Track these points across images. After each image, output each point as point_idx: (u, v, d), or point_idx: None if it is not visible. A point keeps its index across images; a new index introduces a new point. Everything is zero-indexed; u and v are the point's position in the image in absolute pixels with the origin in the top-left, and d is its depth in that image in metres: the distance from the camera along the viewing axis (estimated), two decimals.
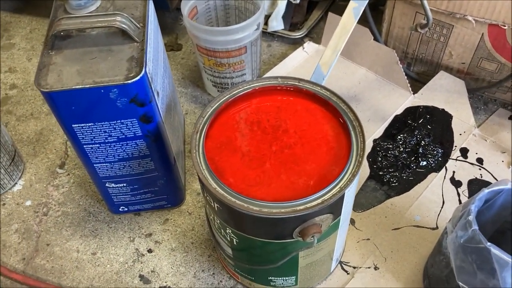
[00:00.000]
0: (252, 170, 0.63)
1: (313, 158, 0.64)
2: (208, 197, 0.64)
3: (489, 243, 0.61)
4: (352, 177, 0.60)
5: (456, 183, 0.89)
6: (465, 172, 0.91)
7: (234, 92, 0.71)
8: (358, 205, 0.88)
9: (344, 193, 0.60)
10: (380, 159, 0.93)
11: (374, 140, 0.96)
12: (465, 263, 0.64)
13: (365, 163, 0.93)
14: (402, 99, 1.02)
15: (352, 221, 0.86)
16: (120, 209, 0.87)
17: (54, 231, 0.87)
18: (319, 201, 0.58)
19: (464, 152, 0.94)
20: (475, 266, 0.63)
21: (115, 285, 0.79)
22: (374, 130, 0.98)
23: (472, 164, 0.92)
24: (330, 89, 0.70)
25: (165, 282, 0.80)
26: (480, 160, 0.92)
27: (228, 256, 0.74)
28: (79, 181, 0.94)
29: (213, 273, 0.80)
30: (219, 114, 0.69)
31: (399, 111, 1.01)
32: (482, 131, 0.97)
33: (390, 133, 0.97)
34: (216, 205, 0.63)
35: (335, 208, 0.62)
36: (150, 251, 0.84)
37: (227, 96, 0.70)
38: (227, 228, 0.66)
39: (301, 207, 0.58)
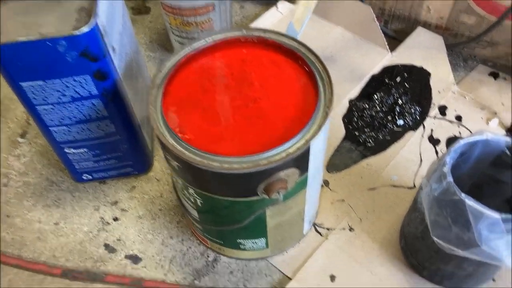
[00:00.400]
0: (214, 126, 0.59)
1: (279, 112, 0.60)
2: (167, 156, 0.60)
3: (464, 194, 0.58)
4: (318, 128, 0.57)
5: (434, 141, 0.86)
6: (444, 130, 0.87)
7: (195, 46, 0.66)
8: (333, 166, 0.85)
9: (309, 146, 0.56)
10: (356, 119, 0.89)
11: (350, 101, 0.93)
12: (439, 217, 0.61)
13: (340, 123, 0.89)
14: (379, 58, 0.98)
15: (326, 183, 0.83)
16: (83, 177, 0.83)
17: (14, 202, 0.83)
18: (283, 154, 0.55)
19: (442, 109, 0.90)
20: (450, 220, 0.60)
21: (79, 256, 0.76)
22: (350, 90, 0.94)
23: (450, 121, 0.89)
24: (297, 39, 0.66)
25: (132, 251, 0.76)
26: (459, 118, 0.89)
27: (195, 220, 0.70)
28: (41, 150, 0.89)
29: (182, 240, 0.77)
30: (180, 69, 0.65)
31: (376, 70, 0.97)
32: (461, 88, 0.93)
33: (366, 92, 0.93)
34: (176, 163, 0.59)
35: (301, 162, 0.58)
36: (116, 219, 0.80)
37: (187, 50, 0.66)
38: (190, 188, 0.62)
39: (264, 161, 0.54)
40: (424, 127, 0.88)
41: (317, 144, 0.58)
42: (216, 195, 0.60)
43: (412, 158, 0.84)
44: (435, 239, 0.62)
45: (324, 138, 0.61)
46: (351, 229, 0.77)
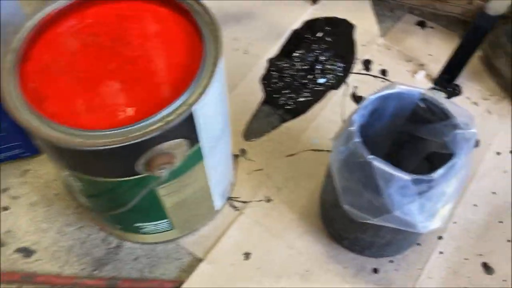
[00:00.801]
0: (82, 94, 0.50)
1: (160, 74, 0.52)
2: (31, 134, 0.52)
3: (371, 156, 0.51)
4: (203, 90, 0.49)
5: (357, 99, 0.80)
6: (367, 86, 0.81)
7: (62, 2, 0.56)
8: (250, 133, 0.77)
9: (191, 112, 0.48)
10: (275, 80, 0.82)
11: (269, 60, 0.85)
12: (350, 182, 0.55)
13: (258, 86, 0.82)
14: (300, 12, 0.90)
15: (243, 152, 0.75)
16: None
17: None
18: (160, 123, 0.47)
19: (366, 64, 0.84)
20: (361, 185, 0.54)
21: None
22: (268, 49, 0.86)
23: (375, 76, 0.82)
24: None
25: (23, 243, 0.67)
26: (383, 72, 0.83)
27: (85, 205, 0.62)
28: None
29: (81, 227, 0.69)
30: (43, 29, 0.55)
31: (297, 24, 0.89)
32: (387, 40, 0.87)
33: (286, 50, 0.86)
34: (39, 142, 0.50)
35: (186, 131, 0.50)
36: (5, 208, 0.70)
37: (51, 7, 0.56)
38: (63, 171, 0.53)
39: (137, 133, 0.46)
40: (347, 84, 0.82)
41: (206, 108, 0.50)
42: (92, 177, 0.52)
43: (334, 118, 0.78)
44: (345, 207, 0.56)
45: (216, 101, 0.53)
46: (268, 200, 0.71)
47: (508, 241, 0.66)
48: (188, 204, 0.62)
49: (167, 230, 0.65)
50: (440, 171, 0.50)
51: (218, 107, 0.54)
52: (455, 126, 0.54)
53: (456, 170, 0.51)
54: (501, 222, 0.68)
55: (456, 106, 0.56)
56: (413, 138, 0.62)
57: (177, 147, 0.51)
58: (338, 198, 0.57)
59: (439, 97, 0.56)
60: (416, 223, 0.52)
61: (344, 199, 0.56)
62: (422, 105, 0.57)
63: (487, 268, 0.64)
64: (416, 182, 0.50)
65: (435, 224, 0.53)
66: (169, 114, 0.47)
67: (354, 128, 0.54)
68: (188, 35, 0.54)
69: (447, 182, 0.51)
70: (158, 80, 0.51)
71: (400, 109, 0.59)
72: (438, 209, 0.52)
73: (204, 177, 0.60)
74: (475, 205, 0.69)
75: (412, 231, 0.54)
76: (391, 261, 0.65)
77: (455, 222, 0.68)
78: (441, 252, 0.66)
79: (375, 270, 0.65)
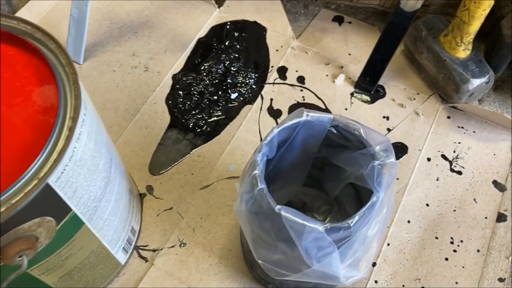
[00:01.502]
0: None
1: (7, 135, 0.42)
2: None
3: (278, 206, 0.44)
4: (59, 157, 0.39)
5: (275, 113, 0.72)
6: (284, 97, 0.73)
7: None
8: (157, 166, 0.68)
9: (47, 184, 0.38)
10: (181, 99, 0.72)
11: (174, 76, 0.75)
12: (260, 234, 0.47)
13: (163, 109, 0.72)
14: (205, 17, 0.81)
15: (150, 189, 0.66)
16: None
17: None
18: (5, 207, 0.37)
19: (282, 72, 0.76)
20: (273, 238, 0.46)
21: None
22: (172, 63, 0.76)
23: (292, 85, 0.75)
24: (30, 21, 0.46)
25: None
26: (301, 79, 0.75)
27: None
28: None
29: None
30: None
31: (203, 32, 0.79)
32: (302, 41, 0.79)
33: (192, 63, 0.76)
34: None
35: (46, 207, 0.40)
36: None
37: None
38: None
39: None
40: (262, 97, 0.73)
41: (70, 174, 0.41)
42: None
43: (251, 138, 0.70)
44: (260, 262, 0.48)
45: (86, 158, 0.43)
46: (182, 244, 0.62)
47: (446, 259, 0.61)
48: (80, 271, 0.52)
49: None
50: (356, 217, 0.43)
51: (91, 164, 0.45)
52: (372, 156, 0.47)
53: (377, 210, 0.45)
54: (436, 237, 0.62)
55: (372, 131, 0.49)
56: (332, 163, 0.55)
57: (39, 226, 0.41)
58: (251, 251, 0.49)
59: (353, 122, 0.49)
60: (338, 275, 0.45)
61: (257, 252, 0.48)
62: (334, 131, 0.50)
63: None
64: (331, 231, 0.43)
65: (360, 273, 0.46)
66: (15, 193, 0.37)
67: (257, 171, 0.45)
68: (40, 81, 0.44)
69: (368, 225, 0.45)
70: (6, 144, 0.41)
71: (312, 137, 0.51)
72: (361, 256, 0.46)
73: (93, 240, 0.50)
74: (408, 221, 0.64)
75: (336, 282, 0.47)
76: None
77: (388, 244, 0.62)
78: (376, 281, 0.60)
79: None
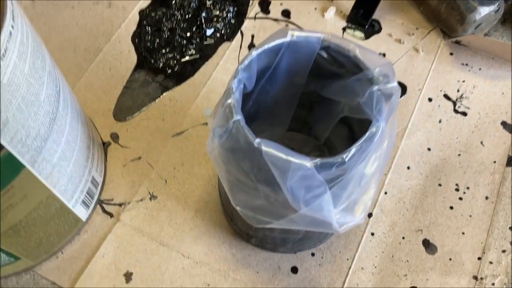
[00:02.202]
0: None
1: None
2: None
3: (258, 139, 0.36)
4: None
5: None
6: (267, 33, 0.64)
7: None
8: (123, 111, 0.59)
9: None
10: (150, 37, 0.63)
11: (141, 11, 0.66)
12: (237, 176, 0.40)
13: (129, 47, 0.63)
14: None
15: (115, 137, 0.58)
16: None
17: None
18: None
19: (264, 5, 0.67)
20: (252, 179, 0.39)
21: None
22: None
23: (276, 20, 0.66)
24: None
25: None
26: (286, 13, 0.66)
27: None
28: None
29: None
30: None
31: None
32: None
33: None
34: None
35: None
36: None
37: None
38: None
39: None
40: (242, 33, 0.65)
41: None
42: None
43: (229, 80, 0.62)
44: (239, 209, 0.41)
45: (16, 88, 0.35)
46: (153, 197, 0.54)
47: (451, 207, 0.54)
48: (29, 226, 0.45)
49: (9, 263, 0.48)
50: (352, 150, 0.36)
51: (26, 92, 0.36)
52: (370, 81, 0.39)
53: (375, 143, 0.37)
54: (439, 185, 0.56)
55: (370, 52, 0.41)
56: (322, 98, 0.47)
57: None
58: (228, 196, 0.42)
59: (347, 43, 0.41)
60: (331, 220, 0.38)
61: (235, 198, 0.41)
62: (324, 55, 0.42)
63: (428, 246, 0.52)
64: (322, 168, 0.36)
65: (355, 219, 0.39)
66: None
67: (232, 100, 0.38)
68: None
69: (365, 161, 0.37)
70: None
71: (298, 63, 0.43)
72: (357, 198, 0.39)
73: (40, 188, 0.42)
74: (408, 167, 0.57)
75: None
76: (313, 254, 0.52)
77: (386, 193, 0.55)
78: (372, 234, 0.53)
79: (294, 270, 0.51)
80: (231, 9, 0.65)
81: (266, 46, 0.40)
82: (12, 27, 0.34)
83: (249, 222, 0.40)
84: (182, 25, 0.64)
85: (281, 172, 0.36)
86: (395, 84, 0.39)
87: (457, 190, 0.55)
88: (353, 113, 0.42)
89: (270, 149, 0.35)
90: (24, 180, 0.40)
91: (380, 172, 0.39)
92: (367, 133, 0.36)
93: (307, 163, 0.35)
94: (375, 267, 0.51)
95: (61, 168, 0.44)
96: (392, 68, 0.40)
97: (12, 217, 0.42)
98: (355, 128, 0.48)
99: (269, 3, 0.67)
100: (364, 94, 0.39)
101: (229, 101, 0.38)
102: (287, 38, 0.41)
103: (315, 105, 0.50)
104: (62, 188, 0.46)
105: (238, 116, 0.37)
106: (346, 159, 0.36)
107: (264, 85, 0.44)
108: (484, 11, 0.60)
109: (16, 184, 0.39)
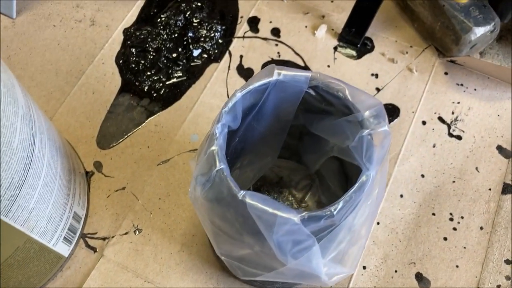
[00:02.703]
0: None
1: None
2: None
3: (242, 191, 0.34)
4: None
5: (246, 73, 0.61)
6: (257, 53, 0.63)
7: None
8: (106, 138, 0.57)
9: None
10: (134, 58, 0.61)
11: (125, 30, 0.63)
12: (222, 226, 0.38)
13: (113, 70, 0.61)
14: None
15: (98, 166, 0.56)
16: None
17: None
18: None
19: (253, 23, 0.64)
20: (238, 230, 0.37)
21: None
22: (123, 15, 0.64)
23: (265, 39, 0.64)
24: None
25: None
26: (276, 32, 0.64)
27: None
28: None
29: None
30: None
31: None
32: None
33: (147, 14, 0.64)
34: None
35: None
36: None
37: None
38: None
39: None
40: (230, 54, 0.62)
41: None
42: None
43: (217, 103, 0.59)
44: (223, 259, 0.39)
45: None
46: (137, 230, 0.53)
47: (444, 238, 0.53)
48: (6, 272, 0.43)
49: None
50: (341, 203, 0.34)
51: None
52: (360, 124, 0.37)
53: (366, 192, 0.35)
54: (433, 214, 0.54)
55: (360, 92, 0.39)
56: (312, 133, 0.45)
57: None
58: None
59: (336, 82, 0.39)
60: (319, 273, 0.36)
61: (219, 248, 0.39)
62: (313, 93, 0.40)
63: (421, 280, 0.51)
64: (310, 221, 0.34)
65: (345, 270, 0.37)
66: None
67: (215, 147, 0.36)
68: None
69: (354, 212, 0.36)
70: None
71: (286, 101, 0.41)
72: (347, 249, 0.37)
73: (16, 236, 0.40)
74: (401, 195, 0.55)
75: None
76: None
77: (378, 223, 0.54)
78: (364, 267, 0.51)
79: None
80: (219, 28, 0.63)
81: (251, 86, 0.38)
82: None
83: (235, 274, 0.39)
84: (168, 45, 0.61)
85: (267, 226, 0.34)
86: (386, 128, 0.37)
87: (451, 219, 0.54)
88: (343, 156, 0.40)
89: (255, 202, 0.34)
90: None
91: (370, 220, 0.37)
92: (357, 183, 0.35)
93: (294, 217, 0.33)
94: None
95: (39, 212, 0.42)
96: (383, 110, 0.38)
97: None
98: (346, 163, 0.46)
99: (258, 21, 0.64)
100: (354, 138, 0.37)
101: (212, 148, 0.36)
102: (274, 77, 0.39)
103: (305, 136, 0.48)
104: (41, 231, 0.44)
105: (222, 165, 0.35)
106: (335, 212, 0.34)
107: (251, 122, 0.42)
108: (480, 31, 0.58)
109: None
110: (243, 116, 0.41)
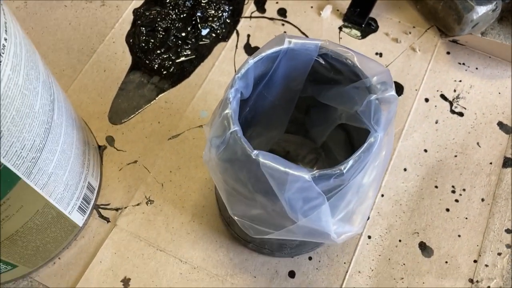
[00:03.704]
0: None
1: None
2: None
3: (255, 151, 0.36)
4: None
5: (253, 51, 0.63)
6: (263, 32, 0.64)
7: None
8: (118, 114, 0.59)
9: None
10: (144, 37, 0.63)
11: (135, 10, 0.65)
12: (235, 186, 0.40)
13: (124, 49, 0.62)
14: None
15: (110, 140, 0.57)
16: None
17: None
18: None
19: (260, 4, 0.66)
20: (250, 190, 0.39)
21: None
22: None
23: (271, 19, 0.65)
24: None
25: None
26: (282, 12, 0.66)
27: None
28: None
29: None
30: None
31: None
32: None
33: None
34: None
35: None
36: None
37: None
38: None
39: None
40: (238, 33, 0.64)
41: None
42: None
43: (225, 80, 0.61)
44: (237, 219, 0.41)
45: (10, 101, 0.34)
46: (149, 201, 0.54)
47: (447, 210, 0.54)
48: (25, 236, 0.44)
49: (6, 271, 0.47)
50: (350, 161, 0.35)
51: (20, 104, 0.36)
52: (368, 89, 0.39)
53: (374, 153, 0.37)
54: (436, 187, 0.56)
55: (368, 59, 0.40)
56: (319, 103, 0.47)
57: None
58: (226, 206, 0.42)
59: (345, 50, 0.40)
60: (329, 231, 0.38)
61: (232, 208, 0.41)
62: (322, 62, 0.42)
63: (424, 249, 0.53)
64: (320, 179, 0.35)
65: (354, 228, 0.39)
66: None
67: (229, 111, 0.37)
68: None
69: (363, 172, 0.37)
70: None
71: (295, 70, 0.43)
72: (355, 208, 0.39)
73: (36, 199, 0.42)
74: (405, 169, 0.57)
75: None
76: (310, 258, 0.52)
77: (383, 195, 0.55)
78: (369, 237, 0.53)
79: (291, 274, 0.51)
80: (227, 8, 0.64)
81: (263, 54, 0.40)
82: (5, 39, 0.33)
83: (247, 232, 0.40)
84: (177, 24, 0.63)
85: (278, 184, 0.36)
86: (393, 92, 0.38)
87: (453, 192, 0.55)
88: (351, 121, 0.42)
89: (268, 161, 0.35)
90: (20, 192, 0.39)
91: (378, 181, 0.39)
92: (365, 144, 0.36)
93: (305, 175, 0.35)
94: (372, 270, 0.52)
95: (57, 177, 0.44)
96: (390, 76, 0.39)
97: (9, 228, 0.41)
98: (352, 133, 0.48)
99: (265, 1, 0.66)
100: (362, 103, 0.39)
101: (226, 111, 0.37)
102: (284, 46, 0.40)
103: (312, 109, 0.50)
104: (58, 197, 0.45)
105: (236, 127, 0.37)
106: (344, 171, 0.35)
107: (261, 91, 0.44)
108: (482, 10, 0.60)
109: (12, 196, 0.39)
110: (254, 84, 0.42)
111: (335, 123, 0.46)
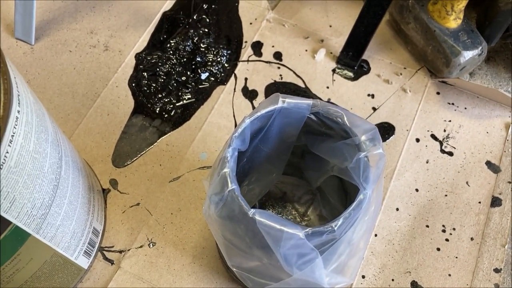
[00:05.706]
0: None
1: None
2: None
3: (252, 210, 0.38)
4: None
5: (251, 94, 0.66)
6: (260, 75, 0.67)
7: None
8: (121, 157, 0.61)
9: None
10: (146, 81, 0.65)
11: (137, 55, 0.68)
12: (233, 240, 0.42)
13: (126, 92, 0.65)
14: None
15: (114, 183, 0.60)
16: None
17: None
18: None
19: (257, 47, 0.69)
20: (248, 244, 0.41)
21: None
22: (135, 41, 0.69)
23: (268, 62, 0.68)
24: None
25: None
26: (278, 55, 0.68)
27: None
28: None
29: None
30: None
31: (168, 5, 0.71)
32: (278, 13, 0.72)
33: (157, 40, 0.69)
34: None
35: None
36: None
37: None
38: None
39: None
40: (236, 76, 0.67)
41: (3, 184, 0.35)
42: None
43: (224, 123, 0.63)
44: (234, 270, 0.43)
45: (22, 168, 0.37)
46: (151, 243, 0.56)
47: (438, 249, 0.57)
48: (34, 284, 0.46)
49: None
50: (341, 219, 0.38)
51: (31, 168, 0.38)
52: (357, 147, 0.42)
53: (364, 209, 0.39)
54: (427, 226, 0.58)
55: (357, 117, 0.43)
56: (312, 154, 0.49)
57: None
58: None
59: (335, 109, 0.43)
60: (322, 283, 0.40)
61: (231, 260, 0.43)
62: (314, 118, 0.44)
63: None
64: (313, 236, 0.38)
65: (344, 280, 0.41)
66: None
67: (227, 170, 0.40)
68: None
69: (353, 227, 0.40)
70: None
71: (289, 125, 0.45)
72: (347, 260, 0.41)
73: (45, 250, 0.44)
74: (397, 209, 0.59)
75: None
76: None
77: (376, 235, 0.58)
78: (363, 276, 0.55)
79: None
80: (225, 52, 0.67)
81: (258, 113, 0.43)
82: (18, 112, 0.36)
83: (245, 284, 0.42)
84: (177, 69, 0.66)
85: (274, 240, 0.38)
86: (381, 150, 0.41)
87: (443, 231, 0.58)
88: (342, 175, 0.44)
89: (264, 219, 0.37)
90: (30, 246, 0.42)
91: (368, 233, 0.41)
92: (355, 201, 0.39)
93: (299, 232, 0.37)
94: None
95: (64, 228, 0.46)
96: (377, 134, 0.42)
97: (19, 280, 0.44)
98: (345, 180, 0.50)
99: (262, 45, 0.69)
100: (352, 160, 0.41)
101: (224, 170, 0.40)
102: (278, 105, 0.43)
103: (307, 155, 0.53)
104: (65, 245, 0.47)
105: (233, 186, 0.39)
106: (336, 228, 0.38)
107: (257, 145, 0.47)
108: (468, 55, 0.62)
109: (23, 251, 0.41)
110: (250, 139, 0.45)
111: (328, 173, 0.49)
